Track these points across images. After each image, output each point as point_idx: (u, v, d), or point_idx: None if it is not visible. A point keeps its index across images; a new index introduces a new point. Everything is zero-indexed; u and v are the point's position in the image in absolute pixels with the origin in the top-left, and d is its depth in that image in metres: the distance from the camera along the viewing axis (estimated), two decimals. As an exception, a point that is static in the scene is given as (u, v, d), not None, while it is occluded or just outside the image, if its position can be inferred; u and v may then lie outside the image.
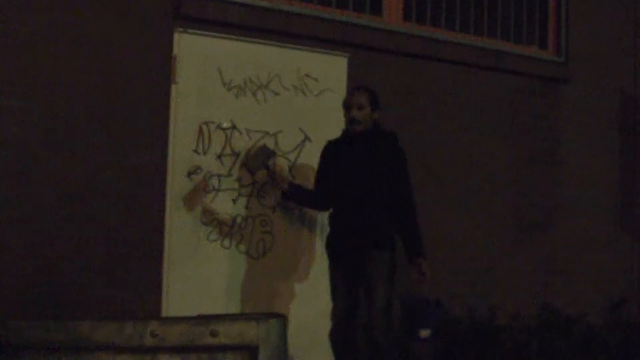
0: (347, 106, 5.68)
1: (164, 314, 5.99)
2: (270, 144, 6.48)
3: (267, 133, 6.53)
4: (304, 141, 6.66)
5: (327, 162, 5.81)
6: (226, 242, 6.35)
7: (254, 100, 6.50)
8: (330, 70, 6.82)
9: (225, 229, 6.35)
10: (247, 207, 6.43)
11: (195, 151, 6.26)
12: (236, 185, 6.41)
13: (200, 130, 6.28)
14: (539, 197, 8.10)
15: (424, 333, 6.54)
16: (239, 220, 6.40)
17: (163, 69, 6.14)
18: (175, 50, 6.18)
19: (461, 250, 7.49)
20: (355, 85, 6.06)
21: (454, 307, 7.32)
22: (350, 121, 5.65)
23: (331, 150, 5.83)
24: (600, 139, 8.59)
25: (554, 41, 8.50)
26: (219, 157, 6.35)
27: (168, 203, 6.12)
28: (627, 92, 8.81)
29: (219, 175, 6.34)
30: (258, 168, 5.91)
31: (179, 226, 6.16)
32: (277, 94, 6.60)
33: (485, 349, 7.07)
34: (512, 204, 7.89)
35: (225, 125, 6.39)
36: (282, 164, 6.57)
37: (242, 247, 6.40)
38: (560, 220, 8.21)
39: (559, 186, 8.24)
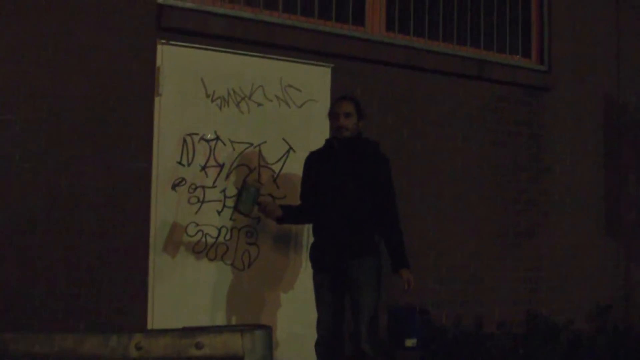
0: (334, 114, 5.68)
1: (149, 325, 5.98)
2: (255, 155, 6.48)
3: (251, 144, 6.54)
4: (288, 152, 6.67)
5: (311, 172, 5.79)
6: (211, 254, 6.34)
7: (237, 112, 6.51)
8: (314, 81, 6.83)
9: (211, 240, 6.35)
10: (232, 219, 6.43)
11: (180, 163, 6.26)
12: (221, 196, 6.40)
13: (185, 141, 6.28)
14: (524, 204, 8.12)
15: (410, 342, 6.53)
16: (224, 231, 6.39)
17: (147, 81, 6.14)
18: (159, 62, 6.18)
19: (447, 258, 7.50)
20: (341, 95, 6.06)
21: (441, 316, 7.33)
22: (337, 128, 5.65)
23: (314, 160, 5.82)
24: (584, 145, 8.62)
25: (537, 50, 8.54)
26: (204, 168, 6.35)
27: (153, 214, 6.11)
28: (610, 98, 8.86)
29: (203, 187, 6.34)
30: (251, 210, 5.81)
31: (164, 237, 6.15)
32: (260, 104, 6.60)
33: (473, 357, 7.07)
34: (498, 211, 7.91)
35: (209, 136, 6.39)
36: (267, 175, 6.57)
37: (228, 259, 6.40)
38: (546, 227, 8.23)
39: (544, 193, 8.27)
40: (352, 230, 5.53)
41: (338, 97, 6.01)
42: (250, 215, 5.95)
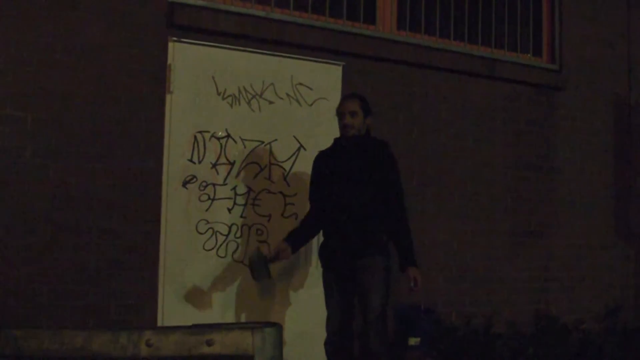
0: (340, 114, 5.68)
1: (159, 323, 5.99)
2: (265, 153, 6.49)
3: (262, 142, 6.54)
4: (298, 150, 6.67)
5: (319, 172, 5.79)
6: (222, 251, 6.35)
7: (248, 109, 6.51)
8: (325, 79, 6.83)
9: (221, 238, 6.35)
10: (242, 216, 6.43)
11: (191, 160, 6.27)
12: (231, 194, 6.41)
13: (195, 139, 6.29)
14: (535, 203, 8.10)
15: (413, 341, 6.52)
16: (234, 229, 6.40)
17: (158, 79, 6.15)
18: (170, 60, 6.19)
19: (457, 258, 7.50)
20: (347, 94, 6.07)
21: (450, 315, 7.32)
22: (343, 127, 5.65)
23: (322, 159, 5.82)
24: (595, 145, 8.60)
25: (548, 49, 8.52)
26: (214, 166, 6.36)
27: (163, 212, 6.12)
28: (621, 97, 8.83)
29: (214, 184, 6.34)
30: (269, 274, 5.82)
31: (175, 235, 6.16)
32: (271, 102, 6.61)
33: (482, 356, 7.06)
34: (508, 211, 7.89)
35: (220, 134, 6.39)
36: (277, 173, 6.57)
37: (238, 256, 6.40)
38: (556, 227, 8.22)
39: (555, 192, 8.25)
40: (361, 229, 5.52)
41: (344, 96, 6.01)
42: (271, 277, 5.93)
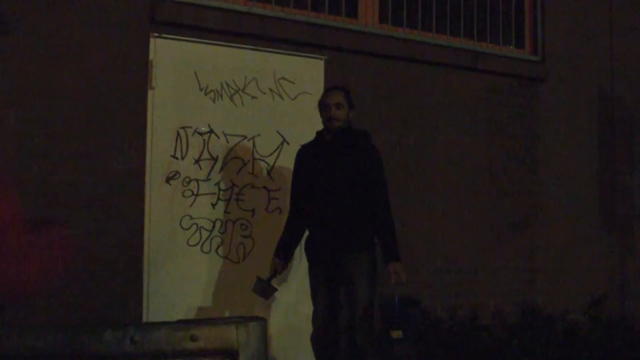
0: (325, 105, 5.66)
1: (144, 319, 5.98)
2: (249, 148, 6.49)
3: (245, 137, 6.53)
4: (282, 144, 6.67)
5: (303, 166, 5.77)
6: (206, 247, 6.34)
7: (231, 105, 6.50)
8: (307, 73, 6.83)
9: (205, 233, 6.34)
10: (226, 211, 6.43)
11: (174, 156, 6.25)
12: (215, 189, 6.40)
13: (178, 135, 6.27)
14: (519, 195, 8.12)
15: (395, 334, 6.51)
16: (218, 224, 6.39)
17: (140, 74, 6.13)
18: (152, 56, 6.17)
19: (442, 250, 7.51)
20: (330, 85, 6.06)
21: (436, 307, 7.33)
22: (328, 119, 5.64)
23: (306, 154, 5.80)
24: (578, 136, 8.63)
25: (531, 41, 8.53)
26: (197, 161, 6.35)
27: (147, 208, 6.11)
28: (604, 89, 8.86)
29: (197, 180, 6.33)
30: (273, 290, 5.88)
31: (159, 231, 6.15)
32: (254, 97, 6.60)
33: (467, 348, 7.08)
34: (493, 203, 7.91)
35: (202, 129, 6.38)
36: (261, 167, 6.57)
37: (222, 251, 6.40)
38: (541, 219, 8.24)
39: (539, 185, 8.27)
40: (346, 223, 5.52)
41: (328, 88, 6.00)
42: (277, 289, 5.97)
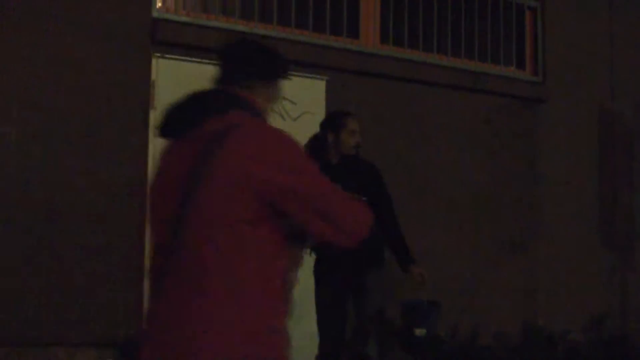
0: (352, 132, 5.66)
1: (145, 337, 5.97)
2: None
3: (246, 157, 6.54)
4: (283, 164, 6.67)
5: None
6: (207, 265, 6.34)
7: (232, 124, 6.51)
8: (309, 94, 6.86)
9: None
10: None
11: (175, 175, 6.26)
12: (216, 208, 6.40)
13: (180, 154, 6.28)
14: (520, 214, 8.13)
15: (418, 331, 6.50)
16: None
17: (142, 94, 6.17)
18: (154, 76, 6.21)
19: (442, 268, 7.50)
20: (346, 110, 6.02)
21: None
22: (354, 145, 5.66)
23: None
24: (579, 155, 8.64)
25: (531, 61, 8.57)
26: (199, 180, 6.35)
27: (148, 227, 6.11)
28: (605, 108, 8.88)
29: (199, 199, 6.33)
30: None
31: (160, 250, 6.14)
32: (255, 117, 6.61)
33: (468, 368, 7.06)
34: (493, 222, 7.92)
35: (204, 149, 6.39)
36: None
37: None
38: (542, 237, 8.24)
39: (540, 203, 8.28)
40: (364, 241, 5.54)
41: (348, 113, 5.89)
42: None
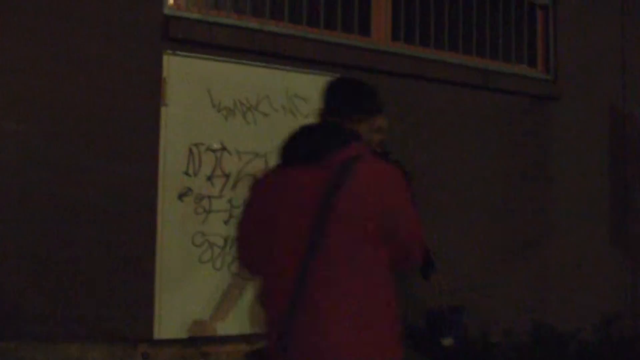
0: (381, 129, 5.59)
1: (155, 334, 5.97)
2: (261, 165, 6.50)
3: (257, 154, 6.55)
4: (294, 161, 6.66)
5: None
6: (218, 264, 6.35)
7: (243, 122, 6.52)
8: (320, 91, 6.82)
9: (217, 250, 6.35)
10: (238, 228, 6.43)
11: (186, 173, 6.27)
12: (227, 206, 6.41)
13: (191, 151, 6.29)
14: (531, 214, 8.11)
15: (447, 342, 6.49)
16: (230, 241, 6.40)
17: (153, 91, 6.16)
18: (165, 73, 6.20)
19: (453, 267, 7.48)
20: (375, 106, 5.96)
21: (447, 326, 7.31)
22: (379, 142, 5.61)
23: None
24: (590, 154, 8.62)
25: (543, 59, 8.55)
26: (210, 178, 6.36)
27: (159, 225, 6.12)
28: (616, 107, 8.86)
29: (209, 197, 6.35)
30: None
31: (171, 248, 6.15)
32: (266, 115, 6.62)
33: (479, 367, 7.05)
34: (504, 221, 7.90)
35: (215, 146, 6.40)
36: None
37: (234, 269, 6.40)
38: (552, 237, 8.22)
39: (551, 203, 8.26)
40: None
41: (377, 108, 5.85)
42: None
